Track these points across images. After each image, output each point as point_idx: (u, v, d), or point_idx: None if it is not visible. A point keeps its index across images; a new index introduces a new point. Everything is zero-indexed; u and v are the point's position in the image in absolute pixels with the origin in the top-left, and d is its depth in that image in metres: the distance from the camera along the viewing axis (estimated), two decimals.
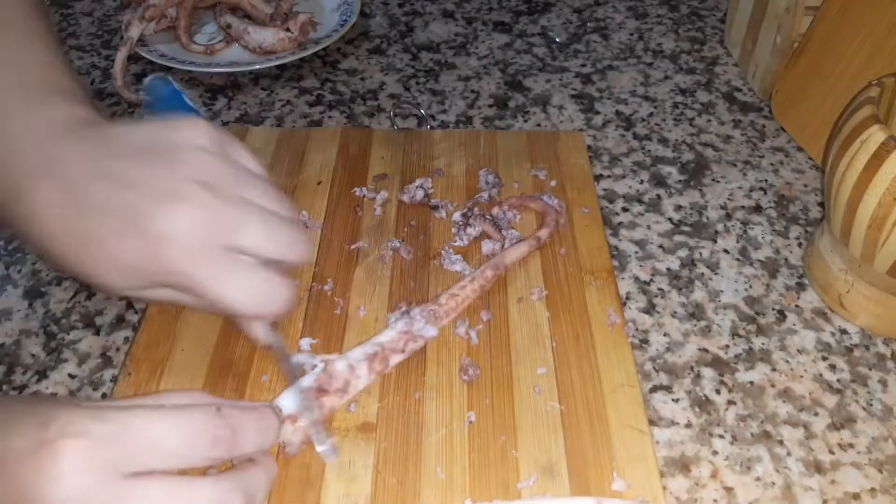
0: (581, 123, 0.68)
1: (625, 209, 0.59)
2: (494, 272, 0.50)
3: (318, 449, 0.41)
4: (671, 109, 0.70)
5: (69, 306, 0.51)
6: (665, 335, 0.50)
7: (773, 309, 0.52)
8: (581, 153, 0.62)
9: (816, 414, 0.45)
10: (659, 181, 0.62)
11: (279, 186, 0.44)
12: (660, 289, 0.53)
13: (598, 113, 0.69)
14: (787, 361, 0.48)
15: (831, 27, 0.61)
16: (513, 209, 0.56)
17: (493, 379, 0.45)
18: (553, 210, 0.55)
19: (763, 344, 0.49)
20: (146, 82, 0.54)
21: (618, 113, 0.69)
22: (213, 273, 0.36)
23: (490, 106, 0.70)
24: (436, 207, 0.56)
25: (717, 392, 0.47)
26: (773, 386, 0.47)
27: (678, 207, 0.60)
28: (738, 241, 0.57)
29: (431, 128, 0.66)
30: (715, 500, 0.41)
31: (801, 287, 0.53)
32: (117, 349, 0.48)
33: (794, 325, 0.51)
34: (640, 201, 0.60)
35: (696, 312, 0.51)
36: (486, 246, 0.53)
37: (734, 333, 0.50)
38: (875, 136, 0.44)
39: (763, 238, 0.57)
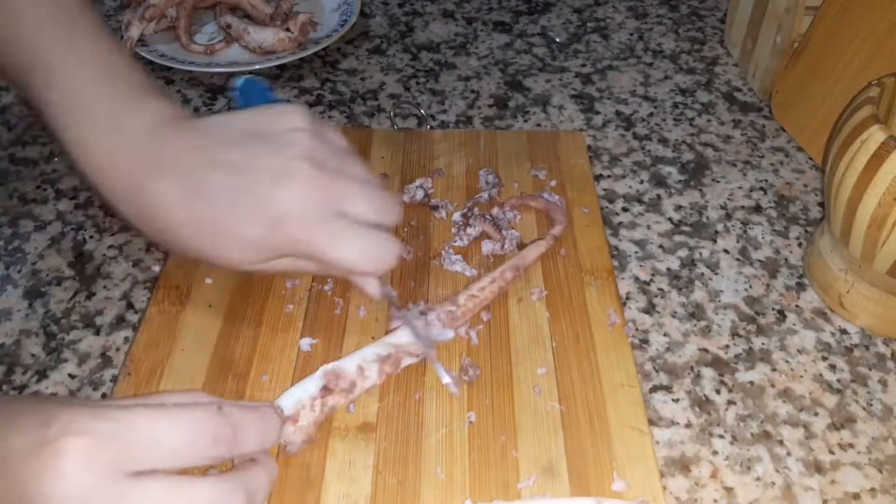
0: (581, 123, 0.68)
1: (625, 209, 0.59)
2: (514, 273, 0.50)
3: (445, 381, 0.43)
4: (671, 109, 0.70)
5: (69, 306, 0.51)
6: (665, 335, 0.50)
7: (773, 309, 0.52)
8: (581, 153, 0.62)
9: (816, 414, 0.45)
10: (659, 181, 0.62)
11: None
12: (660, 289, 0.53)
13: (598, 113, 0.69)
14: (787, 361, 0.48)
15: (831, 27, 0.61)
16: (513, 209, 0.56)
17: (493, 379, 0.45)
18: (557, 207, 0.55)
19: (763, 344, 0.49)
20: (237, 83, 0.57)
21: (618, 113, 0.69)
22: (330, 238, 0.41)
23: (490, 106, 0.70)
24: (436, 207, 0.56)
25: (717, 392, 0.47)
26: (773, 386, 0.47)
27: (678, 207, 0.60)
28: (738, 241, 0.57)
29: (431, 128, 0.66)
30: (715, 500, 0.41)
31: (801, 287, 0.53)
32: (117, 349, 0.48)
33: (794, 325, 0.51)
34: (640, 201, 0.60)
35: (696, 312, 0.51)
36: (486, 246, 0.53)
37: (734, 333, 0.50)
38: (875, 136, 0.44)
39: (763, 238, 0.57)
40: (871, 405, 0.46)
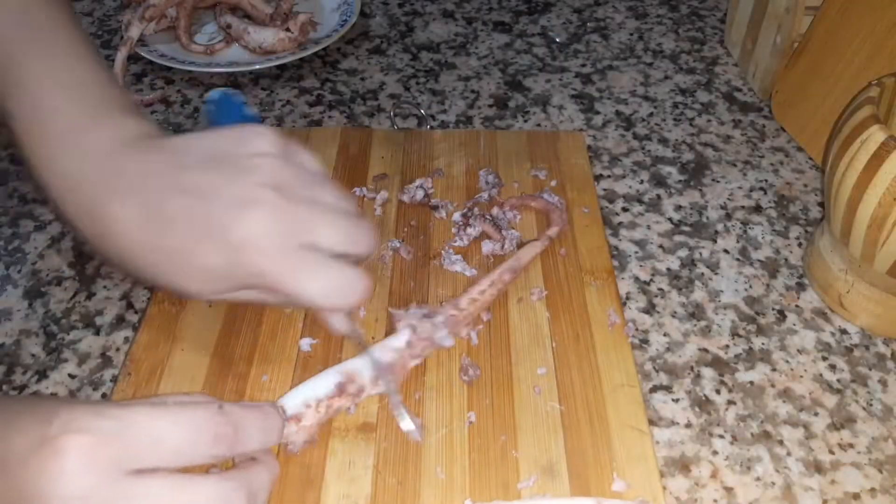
0: (581, 123, 0.68)
1: (625, 209, 0.59)
2: (512, 275, 0.50)
3: (404, 428, 0.42)
4: (671, 109, 0.70)
5: (69, 306, 0.51)
6: (665, 335, 0.50)
7: (773, 309, 0.52)
8: (581, 153, 0.62)
9: (816, 414, 0.45)
10: (659, 181, 0.62)
11: None
12: (660, 289, 0.53)
13: (598, 113, 0.69)
14: (787, 361, 0.48)
15: (831, 27, 0.61)
16: (513, 209, 0.56)
17: (493, 379, 0.45)
18: (556, 208, 0.55)
19: (763, 344, 0.49)
20: (210, 97, 0.56)
21: (618, 113, 0.69)
22: (293, 271, 0.38)
23: (490, 106, 0.70)
24: (436, 207, 0.56)
25: (717, 392, 0.47)
26: (773, 386, 0.47)
27: (678, 207, 0.60)
28: (738, 241, 0.57)
29: (431, 128, 0.66)
30: (715, 500, 0.41)
31: (801, 287, 0.53)
32: (117, 349, 0.48)
33: (794, 325, 0.51)
34: (640, 201, 0.60)
35: (696, 312, 0.51)
36: (486, 246, 0.53)
37: (734, 333, 0.50)
38: (875, 136, 0.44)
39: (763, 238, 0.57)
40: (871, 405, 0.46)
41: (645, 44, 0.79)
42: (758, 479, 0.42)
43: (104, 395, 0.46)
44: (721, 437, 0.44)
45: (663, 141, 0.66)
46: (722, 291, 0.53)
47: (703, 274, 0.54)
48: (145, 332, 0.47)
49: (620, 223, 0.58)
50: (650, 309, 0.52)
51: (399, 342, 0.44)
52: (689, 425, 0.45)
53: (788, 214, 0.59)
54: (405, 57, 0.76)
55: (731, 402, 0.46)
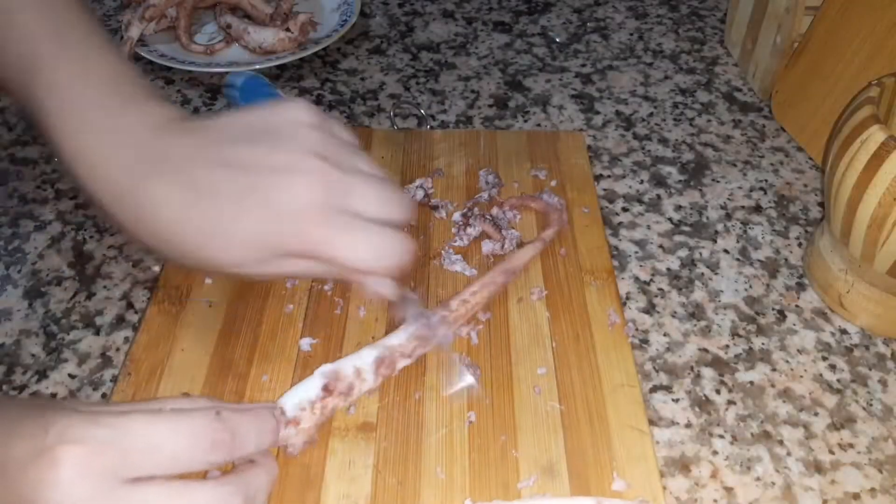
0: (581, 123, 0.68)
1: (625, 209, 0.59)
2: (505, 278, 0.50)
3: (466, 383, 0.43)
4: (671, 109, 0.70)
5: (69, 306, 0.51)
6: (665, 335, 0.50)
7: (773, 309, 0.52)
8: (581, 153, 0.62)
9: (816, 414, 0.45)
10: (659, 181, 0.62)
11: None
12: (660, 289, 0.53)
13: (598, 113, 0.69)
14: (787, 361, 0.48)
15: (831, 27, 0.61)
16: (513, 209, 0.56)
17: (493, 379, 0.45)
18: (555, 209, 0.55)
19: (763, 344, 0.49)
20: (231, 81, 0.56)
21: (618, 113, 0.69)
22: (337, 235, 0.39)
23: (490, 106, 0.70)
24: (436, 207, 0.56)
25: (717, 392, 0.47)
26: (773, 386, 0.47)
27: (678, 207, 0.60)
28: (738, 241, 0.57)
29: (431, 128, 0.66)
30: (715, 500, 0.41)
31: (801, 287, 0.53)
32: (117, 349, 0.48)
33: (794, 325, 0.51)
34: (640, 201, 0.60)
35: (696, 312, 0.51)
36: (486, 246, 0.53)
37: (734, 333, 0.50)
38: (875, 136, 0.44)
39: (763, 238, 0.57)
40: (871, 405, 0.46)
41: (645, 44, 0.79)
42: (758, 479, 0.42)
43: (104, 395, 0.46)
44: (721, 437, 0.44)
45: (663, 141, 0.66)
46: (722, 291, 0.53)
47: (703, 274, 0.54)
48: (145, 332, 0.47)
49: (620, 223, 0.58)
50: (650, 309, 0.52)
51: (392, 342, 0.44)
52: (689, 425, 0.45)
53: (788, 214, 0.59)
54: (405, 57, 0.76)
55: (731, 402, 0.46)
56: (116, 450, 0.31)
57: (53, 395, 0.46)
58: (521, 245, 0.53)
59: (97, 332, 0.49)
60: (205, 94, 0.70)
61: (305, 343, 0.47)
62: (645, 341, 0.49)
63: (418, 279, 0.51)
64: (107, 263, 0.54)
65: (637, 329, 0.50)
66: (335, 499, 0.39)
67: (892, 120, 0.50)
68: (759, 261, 0.55)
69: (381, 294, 0.44)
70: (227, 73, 0.71)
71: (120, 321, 0.50)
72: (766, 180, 0.62)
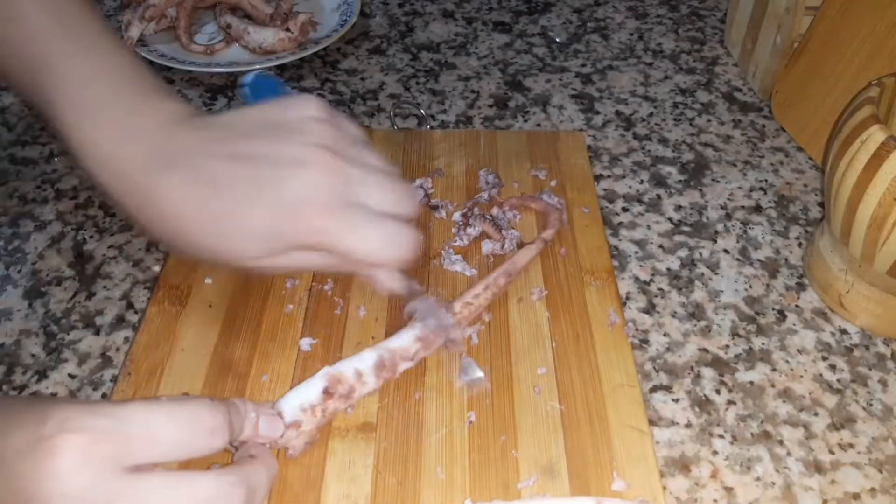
0: (581, 123, 0.68)
1: (625, 209, 0.59)
2: (507, 279, 0.50)
3: (475, 376, 0.43)
4: (671, 109, 0.70)
5: (69, 306, 0.51)
6: (665, 335, 0.50)
7: (773, 309, 0.52)
8: (581, 153, 0.62)
9: (816, 414, 0.45)
10: (659, 181, 0.62)
11: None
12: (660, 289, 0.53)
13: (598, 113, 0.69)
14: (787, 361, 0.48)
15: (831, 27, 0.61)
16: (513, 209, 0.56)
17: (493, 379, 0.45)
18: (554, 209, 0.55)
19: (763, 344, 0.49)
20: (245, 80, 0.57)
21: (618, 113, 0.69)
22: (345, 227, 0.40)
23: (490, 106, 0.70)
24: (436, 207, 0.56)
25: (717, 392, 0.47)
26: (773, 386, 0.47)
27: (678, 207, 0.60)
28: (738, 241, 0.57)
29: (431, 128, 0.66)
30: (715, 500, 0.41)
31: (801, 287, 0.53)
32: (117, 349, 0.48)
33: (794, 325, 0.51)
34: (640, 201, 0.60)
35: (696, 312, 0.51)
36: (486, 246, 0.53)
37: (734, 333, 0.50)
38: (875, 136, 0.44)
39: (763, 238, 0.57)
40: (871, 405, 0.46)
41: (645, 44, 0.79)
42: (758, 479, 0.42)
43: (104, 395, 0.46)
44: (721, 437, 0.44)
45: (663, 141, 0.66)
46: (722, 291, 0.53)
47: (703, 274, 0.54)
48: (145, 332, 0.47)
49: (620, 223, 0.58)
50: (650, 309, 0.52)
51: (393, 344, 0.44)
52: (689, 425, 0.45)
53: (788, 214, 0.59)
54: (405, 57, 0.76)
55: (731, 402, 0.46)
56: (116, 438, 0.31)
57: (53, 395, 0.46)
58: (521, 245, 0.53)
59: (97, 332, 0.49)
60: (205, 94, 0.70)
61: (305, 343, 0.47)
62: (645, 341, 0.49)
63: (418, 279, 0.51)
64: (107, 263, 0.54)
65: (637, 329, 0.50)
66: (335, 499, 0.39)
67: (892, 120, 0.50)
68: (759, 261, 0.55)
69: (389, 286, 0.44)
70: (226, 73, 0.72)
71: (120, 321, 0.50)
72: (766, 180, 0.62)
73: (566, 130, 0.67)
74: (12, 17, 0.43)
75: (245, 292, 0.50)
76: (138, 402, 0.34)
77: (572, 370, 0.46)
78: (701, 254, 0.56)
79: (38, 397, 0.45)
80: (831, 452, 0.43)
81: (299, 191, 0.39)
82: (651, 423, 0.44)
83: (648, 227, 0.58)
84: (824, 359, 0.49)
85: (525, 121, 0.68)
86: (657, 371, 0.48)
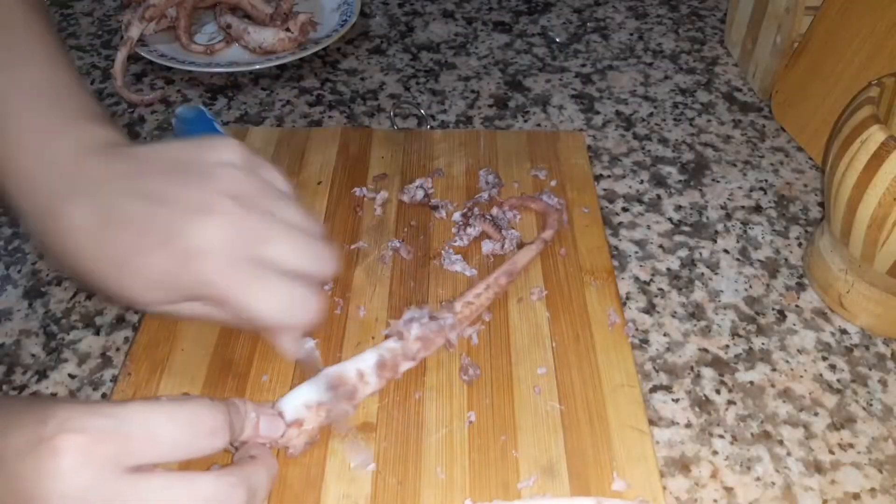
0: (581, 123, 0.68)
1: (625, 209, 0.59)
2: (508, 279, 0.50)
3: (354, 463, 0.41)
4: (671, 109, 0.70)
5: (69, 306, 0.51)
6: (665, 335, 0.50)
7: (773, 309, 0.52)
8: (581, 153, 0.62)
9: (816, 414, 0.45)
10: (659, 181, 0.62)
11: None
12: (660, 289, 0.53)
13: (598, 113, 0.69)
14: (787, 361, 0.48)
15: (831, 27, 0.61)
16: (513, 209, 0.56)
17: (493, 379, 0.45)
18: (554, 209, 0.55)
19: (763, 344, 0.49)
20: (178, 111, 0.56)
21: (618, 113, 0.69)
22: (242, 284, 0.37)
23: (490, 106, 0.70)
24: (436, 207, 0.56)
25: (717, 392, 0.47)
26: (773, 386, 0.47)
27: (678, 207, 0.60)
28: (738, 241, 0.57)
29: (431, 128, 0.66)
30: (715, 500, 0.41)
31: (801, 287, 0.53)
32: (117, 349, 0.48)
33: (794, 325, 0.51)
34: (640, 201, 0.60)
35: (696, 312, 0.51)
36: (486, 246, 0.53)
37: (734, 333, 0.50)
38: (875, 136, 0.44)
39: (763, 238, 0.57)
40: (871, 405, 0.46)
41: (645, 44, 0.79)
42: (758, 479, 0.42)
43: (104, 395, 0.46)
44: (721, 437, 0.44)
45: (663, 141, 0.66)
46: (722, 291, 0.53)
47: (703, 274, 0.54)
48: (145, 332, 0.47)
49: (620, 223, 0.58)
50: (650, 309, 0.52)
51: (394, 344, 0.44)
52: (689, 425, 0.45)
53: (788, 214, 0.59)
54: (405, 57, 0.76)
55: (731, 402, 0.46)
56: (116, 438, 0.31)
57: (53, 395, 0.46)
58: (521, 245, 0.53)
59: (97, 332, 0.49)
60: (205, 94, 0.70)
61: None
62: (645, 341, 0.49)
63: (418, 279, 0.51)
64: None
65: (637, 329, 0.50)
66: (335, 499, 0.39)
67: (892, 120, 0.50)
68: (759, 261, 0.55)
69: (288, 350, 0.43)
70: (226, 73, 0.72)
71: (120, 321, 0.50)
72: (766, 180, 0.62)
73: (566, 130, 0.67)
74: None
75: None
76: (138, 402, 0.34)
77: (572, 370, 0.46)
78: (701, 254, 0.56)
79: (39, 397, 0.45)
80: (831, 452, 0.43)
81: (196, 239, 0.37)
82: (651, 423, 0.44)
83: (648, 227, 0.58)
84: (824, 359, 0.49)
85: (525, 121, 0.68)
86: (657, 371, 0.48)
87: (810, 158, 0.64)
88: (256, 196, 0.39)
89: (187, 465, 0.35)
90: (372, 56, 0.76)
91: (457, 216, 0.55)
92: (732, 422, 0.45)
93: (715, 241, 0.57)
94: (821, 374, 0.48)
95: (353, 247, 0.53)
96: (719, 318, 0.51)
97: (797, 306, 0.52)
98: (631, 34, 0.80)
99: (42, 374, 0.47)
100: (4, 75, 0.41)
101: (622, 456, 0.41)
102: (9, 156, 0.39)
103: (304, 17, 0.73)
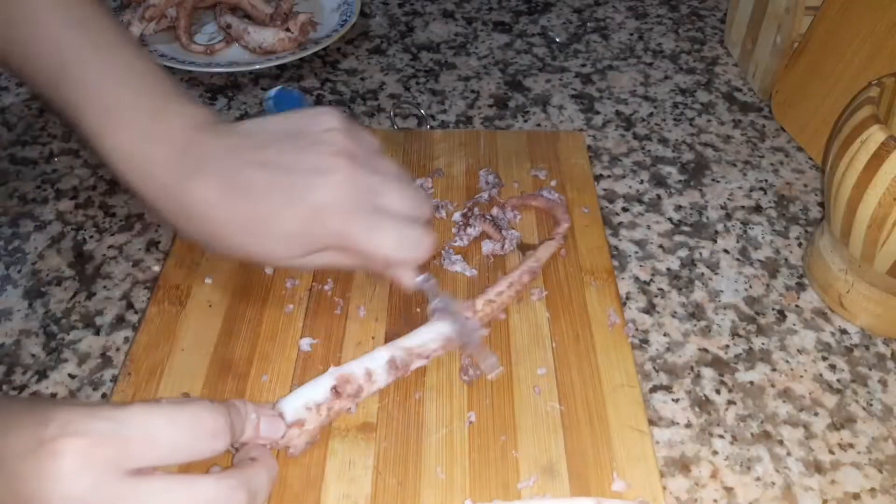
0: (581, 123, 0.68)
1: (625, 209, 0.59)
2: (531, 276, 0.50)
3: (483, 365, 0.44)
4: (671, 109, 0.70)
5: (69, 306, 0.51)
6: (665, 335, 0.50)
7: (773, 309, 0.52)
8: (581, 153, 0.62)
9: (816, 414, 0.45)
10: (659, 181, 0.62)
11: None
12: (660, 289, 0.53)
13: (598, 113, 0.69)
14: (787, 361, 0.48)
15: (831, 27, 0.61)
16: (514, 209, 0.56)
17: (494, 379, 0.45)
18: (558, 204, 0.55)
19: (763, 344, 0.49)
20: (270, 93, 0.60)
21: (618, 113, 0.69)
22: (367, 229, 0.43)
23: (490, 106, 0.70)
24: (436, 207, 0.56)
25: (717, 392, 0.47)
26: (773, 386, 0.47)
27: (678, 207, 0.60)
28: (738, 241, 0.57)
29: (431, 128, 0.66)
30: (715, 500, 0.41)
31: (801, 287, 0.53)
32: (117, 349, 0.48)
33: (794, 325, 0.51)
34: (640, 201, 0.60)
35: (696, 312, 0.51)
36: (486, 246, 0.53)
37: (734, 333, 0.50)
38: (875, 136, 0.44)
39: (763, 238, 0.57)
40: (871, 405, 0.46)
41: (645, 44, 0.79)
42: (758, 479, 0.42)
43: (104, 396, 0.46)
44: (721, 437, 0.44)
45: (663, 141, 0.66)
46: (722, 291, 0.53)
47: (703, 274, 0.54)
48: (145, 332, 0.47)
49: (620, 223, 0.58)
50: (650, 309, 0.52)
51: (409, 343, 0.44)
52: (689, 425, 0.45)
53: (788, 214, 0.59)
54: (405, 57, 0.76)
55: (731, 402, 0.46)
56: (117, 441, 0.31)
57: (53, 395, 0.46)
58: (521, 245, 0.53)
59: (97, 332, 0.49)
60: (205, 95, 0.70)
61: (305, 343, 0.47)
62: (645, 341, 0.49)
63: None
64: (107, 263, 0.54)
65: (637, 329, 0.50)
66: (335, 499, 0.39)
67: (892, 120, 0.50)
68: (759, 261, 0.55)
69: (408, 283, 0.46)
70: (226, 73, 0.72)
71: (120, 321, 0.50)
72: (766, 180, 0.62)
73: (566, 130, 0.67)
74: (26, 17, 0.43)
75: (245, 292, 0.50)
76: (139, 404, 0.34)
77: (572, 370, 0.46)
78: (701, 254, 0.56)
79: (39, 399, 0.45)
80: (831, 452, 0.43)
81: (321, 197, 0.42)
82: (651, 423, 0.44)
83: (648, 227, 0.58)
84: (824, 359, 0.49)
85: (525, 121, 0.68)
86: (657, 371, 0.48)
87: (810, 158, 0.64)
88: (362, 154, 0.44)
89: (187, 468, 0.35)
90: (372, 56, 0.76)
91: (457, 216, 0.55)
92: (732, 422, 0.45)
93: (715, 241, 0.57)
94: (821, 374, 0.48)
95: None
96: (719, 318, 0.51)
97: (797, 306, 0.52)
98: (631, 34, 0.80)
99: (42, 375, 0.47)
100: (97, 56, 0.43)
101: (622, 456, 0.41)
102: (123, 146, 0.42)
103: (304, 17, 0.73)
